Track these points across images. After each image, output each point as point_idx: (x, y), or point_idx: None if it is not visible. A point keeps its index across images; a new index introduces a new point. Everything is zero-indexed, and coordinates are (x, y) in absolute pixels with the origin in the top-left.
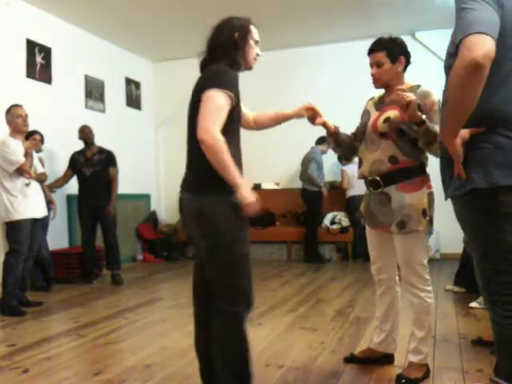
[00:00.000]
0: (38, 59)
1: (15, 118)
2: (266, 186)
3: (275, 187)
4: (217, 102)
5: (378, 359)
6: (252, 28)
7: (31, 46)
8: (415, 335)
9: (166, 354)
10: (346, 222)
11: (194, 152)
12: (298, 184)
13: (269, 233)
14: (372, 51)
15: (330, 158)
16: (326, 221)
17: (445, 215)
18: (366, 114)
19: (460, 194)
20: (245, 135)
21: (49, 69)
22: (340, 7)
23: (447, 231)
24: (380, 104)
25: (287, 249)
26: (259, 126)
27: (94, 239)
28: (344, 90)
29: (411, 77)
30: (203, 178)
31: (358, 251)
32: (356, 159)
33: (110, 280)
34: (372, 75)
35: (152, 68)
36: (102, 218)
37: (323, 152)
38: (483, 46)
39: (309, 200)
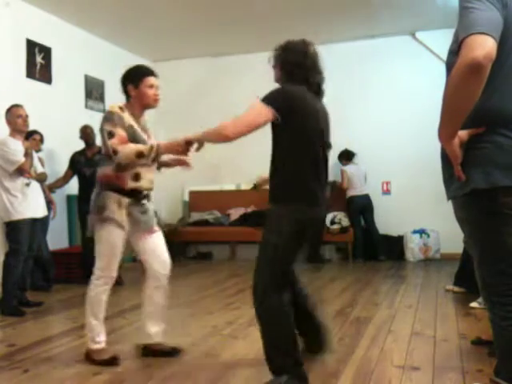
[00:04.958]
0: (38, 59)
1: (15, 118)
2: (266, 185)
3: None
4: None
5: None
6: None
7: (31, 45)
8: None
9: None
10: (345, 222)
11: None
12: None
13: None
14: None
15: (330, 159)
16: (326, 221)
17: (445, 215)
18: None
19: (460, 194)
20: (245, 136)
21: (49, 69)
22: (340, 7)
23: (447, 231)
24: None
25: None
26: None
27: (94, 239)
28: (344, 89)
29: (411, 77)
30: None
31: (358, 251)
32: (356, 160)
33: None
34: None
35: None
36: None
37: None
38: (484, 47)
39: None
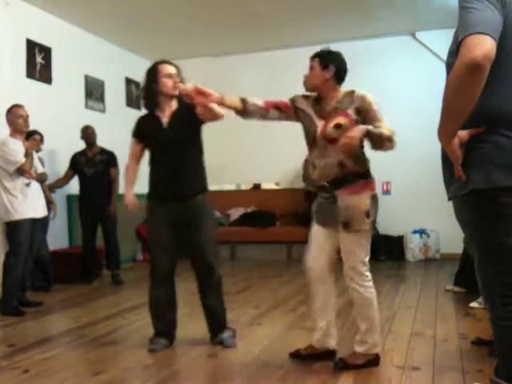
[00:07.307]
0: (38, 59)
1: (16, 118)
2: (266, 185)
3: (275, 187)
4: None
5: (320, 355)
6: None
7: (31, 45)
8: (360, 328)
9: (165, 354)
10: None
11: None
12: (298, 184)
13: (269, 233)
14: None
15: None
16: None
17: (445, 215)
18: (306, 115)
19: (460, 194)
20: (245, 135)
21: (49, 69)
22: (340, 7)
23: (447, 231)
24: (321, 111)
25: (287, 249)
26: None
27: (94, 239)
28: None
29: (411, 77)
30: None
31: None
32: None
33: (110, 280)
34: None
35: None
36: (102, 218)
37: None
38: (483, 47)
39: (313, 201)
